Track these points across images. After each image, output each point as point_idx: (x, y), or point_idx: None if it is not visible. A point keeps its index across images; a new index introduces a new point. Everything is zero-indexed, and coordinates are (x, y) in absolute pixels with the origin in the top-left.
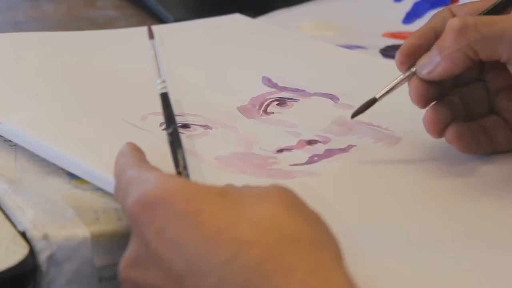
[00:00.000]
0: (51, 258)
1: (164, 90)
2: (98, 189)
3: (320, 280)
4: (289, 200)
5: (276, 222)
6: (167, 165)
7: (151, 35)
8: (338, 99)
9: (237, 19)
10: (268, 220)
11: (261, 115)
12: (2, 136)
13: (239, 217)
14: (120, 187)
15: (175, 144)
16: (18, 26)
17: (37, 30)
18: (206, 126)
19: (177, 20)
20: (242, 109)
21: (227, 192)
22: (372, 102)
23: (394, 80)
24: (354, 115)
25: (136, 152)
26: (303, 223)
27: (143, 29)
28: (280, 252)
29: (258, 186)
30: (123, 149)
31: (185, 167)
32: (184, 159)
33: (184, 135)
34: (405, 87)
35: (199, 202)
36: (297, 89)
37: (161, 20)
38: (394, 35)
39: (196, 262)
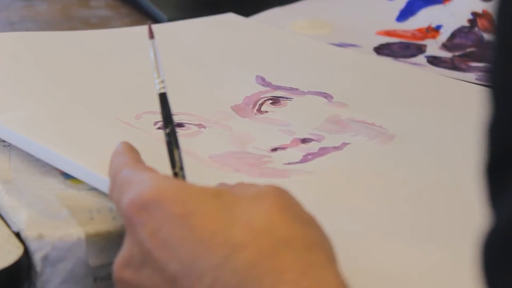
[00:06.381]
0: (45, 258)
1: (163, 90)
2: (93, 189)
3: (312, 280)
4: (283, 201)
5: (269, 224)
6: (162, 164)
7: (151, 35)
8: (332, 97)
9: (230, 18)
10: (262, 222)
11: (255, 114)
12: None
13: (233, 219)
14: (115, 186)
15: (173, 144)
16: (11, 26)
17: (30, 30)
18: (200, 125)
19: (170, 19)
20: (236, 108)
21: (221, 194)
22: None
23: None
24: None
25: (131, 152)
26: (297, 225)
27: (137, 29)
28: (273, 254)
29: (252, 185)
30: (118, 148)
31: (181, 168)
32: (181, 159)
33: (178, 134)
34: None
35: (194, 203)
36: (291, 87)
37: (155, 20)
38: (387, 33)
39: (190, 264)
